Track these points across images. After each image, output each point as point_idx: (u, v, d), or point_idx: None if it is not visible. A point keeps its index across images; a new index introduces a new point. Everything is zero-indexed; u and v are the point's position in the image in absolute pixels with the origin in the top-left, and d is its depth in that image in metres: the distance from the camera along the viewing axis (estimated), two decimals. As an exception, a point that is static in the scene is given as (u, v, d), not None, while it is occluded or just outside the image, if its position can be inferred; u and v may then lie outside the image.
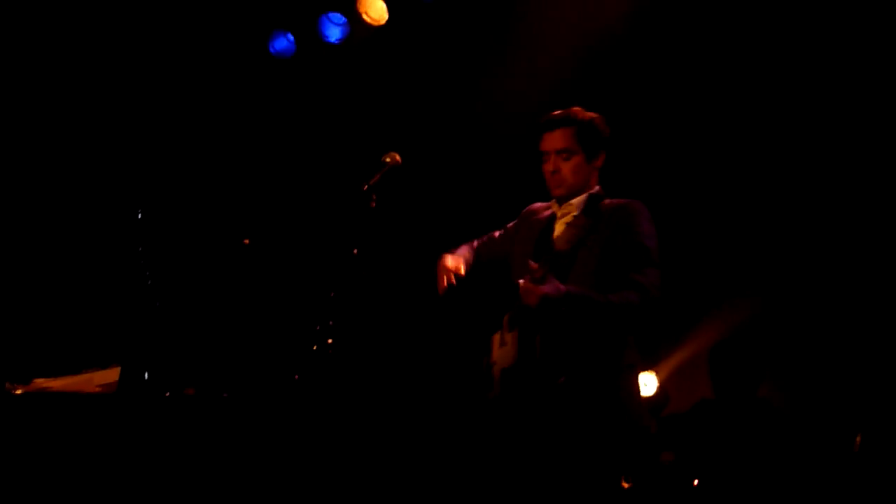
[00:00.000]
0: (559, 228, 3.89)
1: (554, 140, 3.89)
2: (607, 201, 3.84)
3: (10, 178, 6.51)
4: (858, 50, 5.76)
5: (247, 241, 4.79)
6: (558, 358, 3.63)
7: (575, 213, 3.81)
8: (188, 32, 6.70)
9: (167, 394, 4.50)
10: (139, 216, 4.77)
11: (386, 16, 6.52)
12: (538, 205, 4.13)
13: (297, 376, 3.57)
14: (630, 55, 6.25)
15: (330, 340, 3.49)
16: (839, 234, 6.09)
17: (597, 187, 3.93)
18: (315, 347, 3.57)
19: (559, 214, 3.94)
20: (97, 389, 4.79)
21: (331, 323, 3.49)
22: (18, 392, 4.65)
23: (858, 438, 5.28)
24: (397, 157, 3.83)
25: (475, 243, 4.25)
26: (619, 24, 6.12)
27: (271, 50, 6.91)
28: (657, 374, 6.49)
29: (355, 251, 3.70)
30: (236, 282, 5.94)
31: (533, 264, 3.54)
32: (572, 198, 3.91)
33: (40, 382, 4.84)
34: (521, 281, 3.56)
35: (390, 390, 3.76)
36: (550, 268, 3.53)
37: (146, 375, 4.46)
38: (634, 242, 3.74)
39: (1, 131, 6.50)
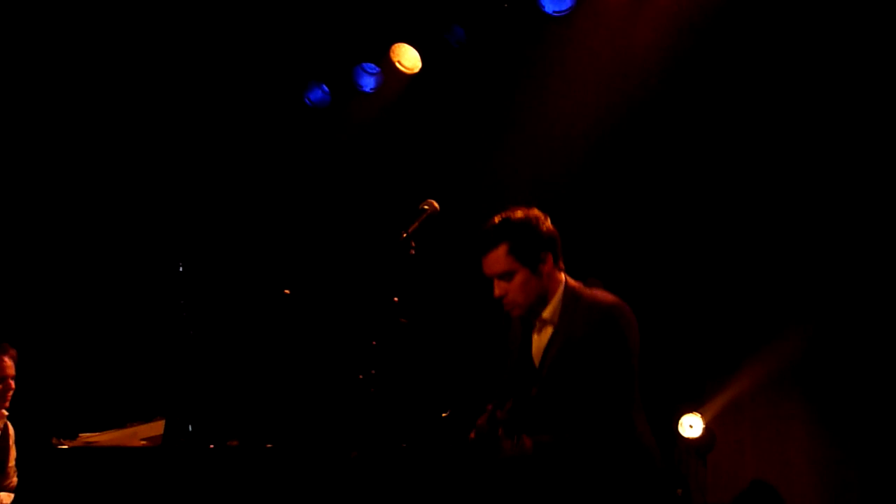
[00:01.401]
0: (536, 342, 3.67)
1: (489, 264, 3.58)
2: (584, 296, 3.60)
3: (52, 238, 6.60)
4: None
5: (287, 292, 4.79)
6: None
7: (551, 329, 3.59)
8: (229, 88, 6.80)
9: (211, 446, 4.50)
10: (180, 269, 4.81)
11: (419, 64, 6.58)
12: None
13: (339, 427, 3.56)
14: (662, 86, 6.22)
15: (373, 389, 3.47)
16: (886, 271, 6.00)
17: (561, 287, 3.63)
18: (360, 396, 3.55)
19: (534, 329, 3.68)
20: (142, 443, 4.81)
21: (373, 372, 3.47)
22: (65, 447, 4.67)
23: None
24: (435, 205, 3.80)
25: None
26: (649, 61, 6.11)
27: (307, 101, 7.00)
28: (702, 415, 6.40)
29: (396, 299, 3.67)
30: (278, 332, 5.94)
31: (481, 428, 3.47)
32: (539, 308, 3.62)
33: (86, 437, 4.87)
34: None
35: (434, 439, 3.72)
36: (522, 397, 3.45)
37: (190, 428, 4.47)
38: (605, 364, 3.48)
39: (45, 194, 6.60)
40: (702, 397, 6.53)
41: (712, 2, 5.87)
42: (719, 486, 6.49)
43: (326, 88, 7.00)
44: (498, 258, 3.56)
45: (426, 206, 3.77)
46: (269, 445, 4.53)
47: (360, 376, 3.45)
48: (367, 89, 6.86)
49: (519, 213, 3.61)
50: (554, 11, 6.14)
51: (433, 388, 4.96)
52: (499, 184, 6.46)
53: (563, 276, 3.66)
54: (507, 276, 3.56)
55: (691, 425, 6.38)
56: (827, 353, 6.15)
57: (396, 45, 6.60)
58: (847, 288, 6.08)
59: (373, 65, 6.80)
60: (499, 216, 3.62)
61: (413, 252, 3.67)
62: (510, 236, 3.56)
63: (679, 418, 6.43)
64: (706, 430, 6.38)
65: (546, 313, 3.62)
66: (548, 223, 3.64)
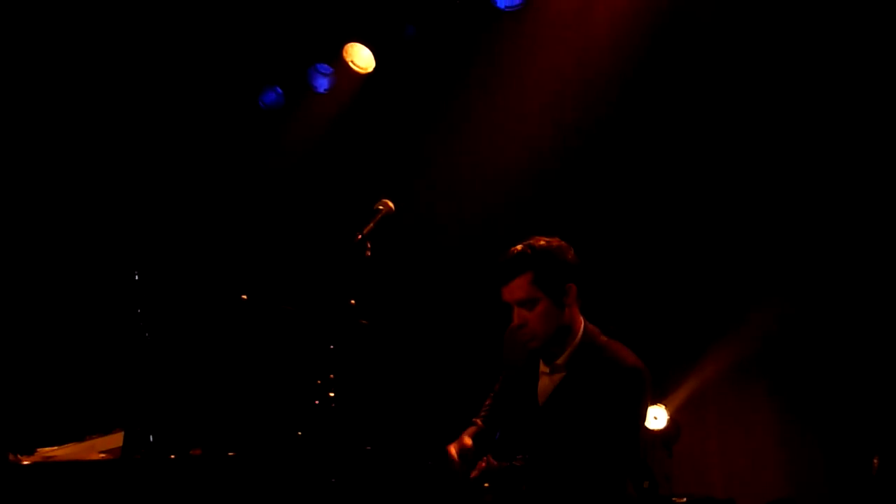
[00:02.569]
0: (543, 383, 3.59)
1: (512, 291, 3.50)
2: (602, 349, 3.51)
3: (5, 248, 6.50)
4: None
5: (244, 297, 4.75)
6: None
7: (563, 374, 3.51)
8: (182, 92, 6.73)
9: (172, 456, 4.45)
10: (135, 277, 4.74)
11: (373, 63, 6.55)
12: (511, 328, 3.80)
13: (299, 432, 3.51)
14: (617, 81, 6.23)
15: (332, 394, 3.43)
16: (847, 258, 6.04)
17: (581, 330, 3.56)
18: (317, 402, 3.51)
19: (543, 369, 3.59)
20: (101, 456, 4.75)
21: (332, 376, 3.43)
22: (25, 463, 4.60)
23: (876, 461, 5.21)
24: (390, 205, 3.77)
25: (478, 420, 3.90)
26: (603, 56, 6.12)
27: (261, 104, 6.95)
28: (666, 406, 6.42)
29: (353, 301, 3.64)
30: (236, 338, 5.89)
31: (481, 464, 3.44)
32: (556, 349, 3.54)
33: (44, 451, 4.80)
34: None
35: (392, 442, 3.69)
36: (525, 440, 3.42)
37: (150, 439, 4.41)
38: (611, 425, 3.38)
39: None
40: (665, 388, 6.55)
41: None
42: (685, 476, 6.52)
43: (280, 90, 6.95)
44: (521, 285, 3.47)
45: (381, 207, 3.73)
46: (231, 454, 4.49)
47: (319, 381, 3.41)
48: (321, 90, 6.82)
49: (542, 242, 3.55)
50: (506, 6, 6.13)
51: (395, 390, 4.94)
52: (455, 182, 6.45)
53: (582, 318, 3.58)
54: (528, 304, 3.48)
55: (655, 417, 6.40)
56: (791, 339, 6.20)
57: (349, 44, 6.56)
58: (810, 273, 6.13)
59: (326, 65, 6.77)
60: (522, 244, 3.54)
61: (369, 253, 3.63)
62: (535, 265, 3.48)
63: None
64: (671, 421, 6.40)
65: (561, 360, 3.54)
66: (572, 253, 3.57)
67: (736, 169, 6.25)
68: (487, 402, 3.95)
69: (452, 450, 3.61)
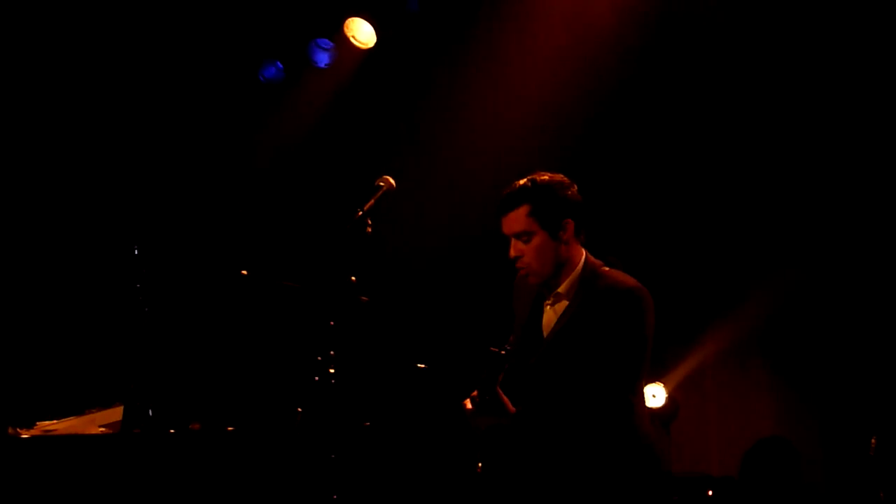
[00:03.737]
0: (548, 316, 3.57)
1: (509, 223, 3.51)
2: (602, 274, 3.53)
3: (6, 223, 6.50)
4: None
5: (244, 273, 4.75)
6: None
7: (566, 303, 3.51)
8: (181, 66, 6.71)
9: (171, 430, 4.46)
10: (135, 252, 4.74)
11: (374, 39, 6.51)
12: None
13: (299, 409, 3.52)
14: (621, 61, 6.21)
15: (332, 370, 3.43)
16: (847, 238, 6.04)
17: (581, 261, 3.56)
18: (317, 378, 3.51)
19: (548, 301, 3.59)
20: (101, 430, 4.76)
21: (332, 353, 3.43)
22: (25, 436, 4.62)
23: (874, 441, 5.22)
24: (391, 181, 3.74)
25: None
26: (607, 35, 6.09)
27: (261, 77, 6.92)
28: (665, 385, 6.44)
29: (353, 278, 3.63)
30: (236, 314, 5.89)
31: (471, 401, 3.39)
32: (555, 281, 3.53)
33: (44, 425, 4.81)
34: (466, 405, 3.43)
35: (393, 419, 3.69)
36: (493, 394, 3.36)
37: (150, 413, 4.42)
38: (615, 341, 3.38)
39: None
40: (664, 366, 6.56)
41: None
42: (683, 454, 6.55)
43: (280, 65, 6.92)
44: (518, 217, 3.48)
45: (382, 183, 3.71)
46: (229, 429, 4.50)
47: (319, 357, 3.41)
48: (322, 65, 6.79)
49: (545, 176, 3.56)
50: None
51: (395, 366, 4.94)
52: (455, 159, 6.43)
53: (583, 250, 3.59)
54: (524, 236, 3.48)
55: (654, 395, 6.42)
56: (791, 317, 6.21)
57: (350, 19, 6.53)
58: (811, 252, 6.13)
59: (327, 40, 6.73)
60: (526, 177, 3.57)
61: (370, 230, 3.62)
62: (533, 198, 3.49)
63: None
64: (669, 399, 6.42)
65: (563, 288, 3.53)
66: (574, 189, 3.58)
67: (737, 148, 6.24)
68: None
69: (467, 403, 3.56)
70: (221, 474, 4.28)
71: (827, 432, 6.03)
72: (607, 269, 3.59)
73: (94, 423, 4.80)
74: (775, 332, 6.26)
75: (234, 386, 5.47)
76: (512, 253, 3.51)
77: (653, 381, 6.45)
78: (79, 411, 4.87)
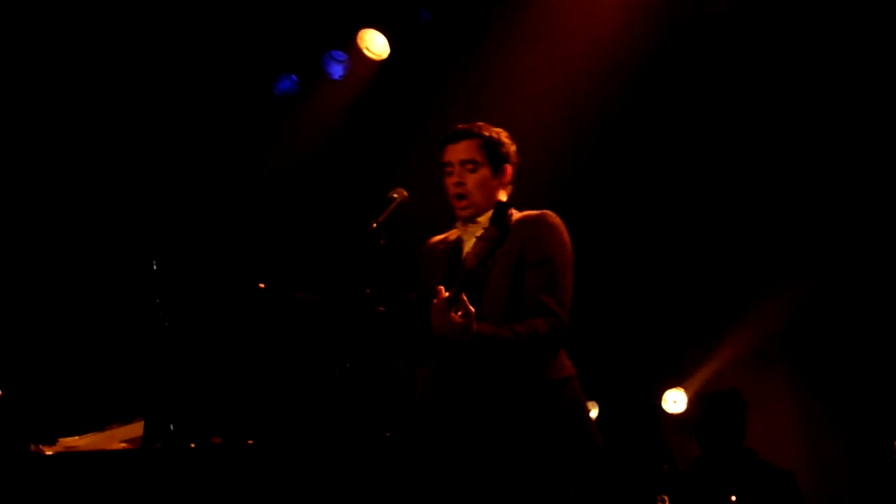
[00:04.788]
0: (468, 247, 3.71)
1: (458, 150, 3.74)
2: (516, 214, 3.67)
3: (23, 237, 6.54)
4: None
5: (262, 286, 4.76)
6: (476, 391, 3.51)
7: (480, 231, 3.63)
8: (197, 81, 6.74)
9: (192, 445, 4.47)
10: (153, 266, 4.76)
11: (388, 50, 6.53)
12: (436, 238, 3.95)
13: (318, 421, 3.53)
14: (634, 61, 6.19)
15: (348, 383, 3.44)
16: (867, 239, 5.99)
17: (492, 200, 3.75)
18: (333, 391, 3.52)
19: (465, 236, 3.77)
20: (122, 445, 4.78)
21: (348, 365, 3.44)
22: (48, 453, 4.64)
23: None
24: (404, 193, 3.77)
25: None
26: (620, 38, 6.07)
27: (276, 91, 6.95)
28: (686, 389, 6.40)
29: (368, 290, 3.64)
30: (253, 327, 5.90)
31: (442, 291, 3.32)
32: (479, 216, 3.73)
33: (66, 442, 4.83)
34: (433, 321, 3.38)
35: (410, 431, 3.69)
36: (460, 290, 3.32)
37: (171, 427, 4.44)
38: (543, 259, 3.58)
39: (12, 192, 6.53)
40: (684, 370, 6.53)
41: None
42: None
43: (295, 78, 6.95)
44: (469, 147, 3.72)
45: (395, 195, 3.74)
46: (250, 442, 4.51)
47: (335, 370, 3.41)
48: (336, 77, 6.81)
49: (497, 128, 3.82)
50: (520, -13, 6.11)
51: (411, 377, 4.94)
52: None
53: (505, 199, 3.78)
54: (470, 164, 3.69)
55: (675, 400, 6.39)
56: (811, 320, 6.16)
57: (363, 31, 6.54)
58: (830, 254, 6.08)
59: (341, 52, 6.75)
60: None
61: (384, 242, 3.64)
62: (484, 136, 3.74)
63: (662, 394, 6.44)
64: (690, 403, 6.38)
65: (482, 217, 3.70)
66: (515, 147, 3.84)
67: (757, 148, 6.21)
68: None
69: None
70: (243, 488, 4.29)
71: (849, 434, 5.98)
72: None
73: (115, 439, 4.81)
74: (795, 335, 6.22)
75: (253, 399, 5.49)
76: (455, 178, 3.69)
77: (673, 385, 6.43)
78: (99, 427, 4.89)
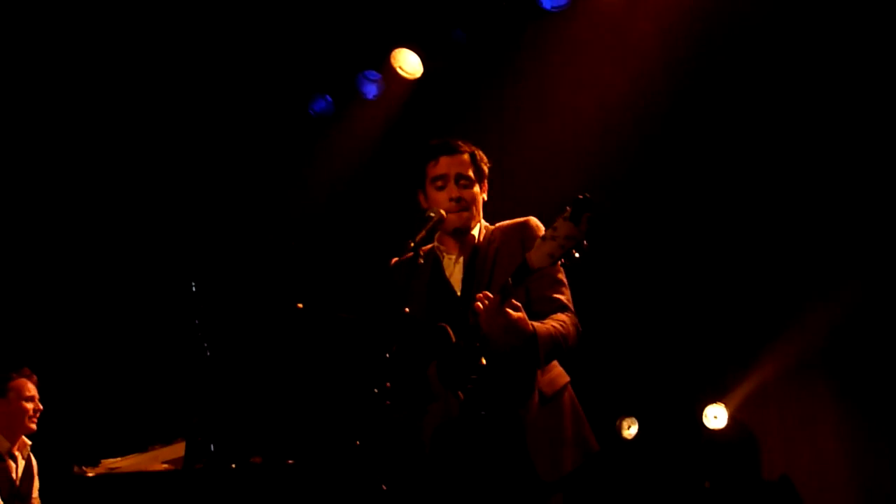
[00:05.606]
0: (453, 273, 3.72)
1: (456, 163, 3.75)
2: (493, 226, 3.75)
3: (68, 263, 6.62)
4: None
5: (300, 306, 4.78)
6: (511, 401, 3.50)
7: (469, 252, 3.69)
8: (235, 103, 6.80)
9: (233, 465, 4.49)
10: (193, 288, 4.79)
11: (421, 69, 6.55)
12: (397, 259, 3.88)
13: (357, 441, 3.52)
14: (664, 79, 6.16)
15: (388, 402, 3.43)
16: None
17: (481, 217, 3.82)
18: (374, 410, 3.51)
19: (446, 256, 3.76)
20: (164, 466, 4.81)
21: (388, 385, 3.43)
22: (90, 475, 4.68)
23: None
24: (442, 212, 3.75)
25: None
26: (650, 55, 6.05)
27: (312, 111, 7.00)
28: (726, 405, 6.33)
29: (406, 309, 3.63)
30: (292, 347, 5.93)
31: (488, 295, 3.26)
32: (461, 232, 3.73)
33: (108, 463, 4.88)
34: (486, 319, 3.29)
35: (448, 448, 3.67)
36: (505, 294, 3.27)
37: (211, 448, 4.46)
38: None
39: (61, 220, 6.61)
40: (725, 387, 6.46)
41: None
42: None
43: (330, 98, 6.99)
44: (464, 161, 3.76)
45: (432, 214, 3.71)
46: (290, 461, 4.52)
47: (376, 390, 3.41)
48: (371, 96, 6.84)
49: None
50: (552, 7, 6.10)
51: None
52: (504, 188, 6.41)
53: None
54: (465, 179, 3.72)
55: (716, 416, 6.32)
56: (853, 335, 6.07)
57: (397, 50, 6.57)
58: (873, 267, 6.00)
59: (374, 72, 6.78)
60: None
61: (421, 261, 3.63)
62: (473, 153, 3.80)
63: (702, 409, 6.38)
64: (731, 420, 6.31)
65: (473, 232, 3.74)
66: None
67: (798, 164, 6.14)
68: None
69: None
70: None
71: (894, 449, 5.88)
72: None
73: (157, 460, 4.85)
74: (837, 348, 6.13)
75: (293, 419, 5.52)
76: (455, 193, 3.70)
77: (714, 401, 6.36)
78: (142, 448, 4.93)
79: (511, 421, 3.47)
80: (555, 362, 3.62)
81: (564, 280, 3.65)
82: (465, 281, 3.66)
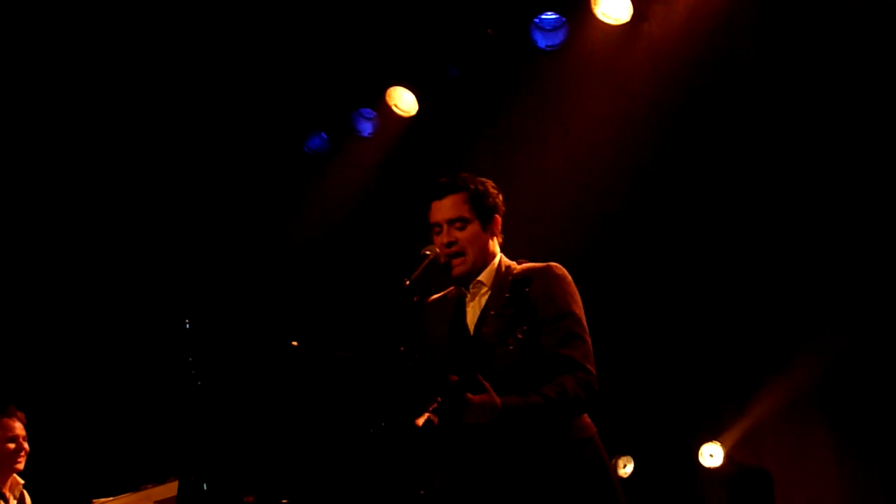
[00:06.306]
0: (472, 311, 3.61)
1: (444, 209, 3.60)
2: (516, 267, 3.60)
3: (57, 300, 6.60)
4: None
5: (294, 344, 4.76)
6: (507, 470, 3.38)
7: (487, 294, 3.56)
8: (228, 141, 6.83)
9: (226, 505, 4.46)
10: (186, 325, 4.78)
11: (416, 107, 6.59)
12: (435, 296, 3.81)
13: (353, 480, 3.51)
14: (660, 114, 6.18)
15: (384, 442, 3.41)
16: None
17: (498, 255, 3.66)
18: (368, 450, 3.50)
19: (469, 296, 3.64)
20: (156, 507, 4.78)
21: (384, 424, 3.41)
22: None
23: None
24: (437, 250, 3.72)
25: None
26: (646, 91, 6.08)
27: (306, 149, 7.02)
28: (722, 444, 6.31)
29: (402, 348, 3.62)
30: (287, 385, 5.90)
31: (453, 379, 3.15)
32: (476, 274, 3.60)
33: (100, 503, 4.84)
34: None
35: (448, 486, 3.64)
36: (471, 371, 3.18)
37: (205, 487, 4.43)
38: (559, 314, 3.43)
39: (47, 253, 6.60)
40: (720, 425, 6.44)
41: (704, 25, 5.87)
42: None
43: (325, 135, 7.02)
44: (457, 202, 3.58)
45: (428, 252, 3.66)
46: (284, 502, 4.49)
47: (371, 429, 3.39)
48: (366, 134, 6.87)
49: (481, 178, 3.69)
50: (546, 46, 6.14)
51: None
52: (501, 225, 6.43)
53: (499, 251, 3.69)
54: (460, 222, 3.57)
55: (711, 454, 6.29)
56: (850, 370, 6.06)
57: (392, 88, 6.61)
58: (866, 305, 6.00)
59: (370, 109, 6.82)
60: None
61: (417, 299, 3.61)
62: (471, 189, 3.60)
63: (698, 448, 6.35)
64: (727, 458, 6.29)
65: (483, 276, 3.60)
66: (501, 198, 3.71)
67: (789, 198, 6.16)
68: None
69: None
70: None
71: (890, 488, 5.85)
72: (519, 261, 3.68)
73: (149, 500, 4.81)
74: (834, 387, 6.12)
75: (287, 458, 5.48)
76: (445, 239, 3.57)
77: (710, 439, 6.34)
78: (134, 487, 4.90)
79: (519, 475, 3.37)
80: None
81: (579, 331, 3.46)
82: (476, 324, 3.57)
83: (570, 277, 3.55)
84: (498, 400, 3.18)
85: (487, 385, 3.16)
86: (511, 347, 3.15)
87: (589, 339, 3.48)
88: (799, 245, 6.15)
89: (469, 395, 3.13)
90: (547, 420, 3.32)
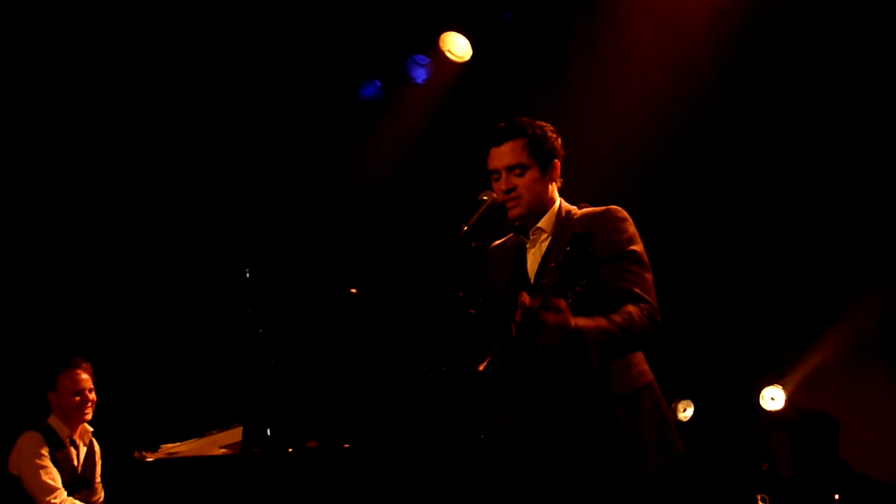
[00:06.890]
0: (532, 259, 3.57)
1: (502, 156, 3.54)
2: (577, 212, 3.55)
3: (123, 252, 6.70)
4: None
5: (353, 291, 4.80)
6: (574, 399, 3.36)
7: (548, 240, 3.52)
8: (282, 90, 6.83)
9: (290, 449, 4.53)
10: (247, 275, 4.83)
11: (470, 52, 6.52)
12: (496, 242, 3.77)
13: (414, 425, 3.54)
14: (717, 57, 6.08)
15: (443, 386, 3.43)
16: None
17: (558, 201, 3.60)
18: (428, 394, 3.52)
19: (529, 243, 3.60)
20: (222, 451, 4.87)
21: (443, 368, 3.43)
22: (150, 459, 4.75)
23: None
24: (494, 195, 3.70)
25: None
26: (704, 34, 5.98)
27: (361, 97, 7.00)
28: (784, 387, 6.28)
29: (461, 294, 3.62)
30: (346, 332, 5.95)
31: (526, 297, 3.13)
32: (535, 220, 3.56)
33: (167, 448, 4.95)
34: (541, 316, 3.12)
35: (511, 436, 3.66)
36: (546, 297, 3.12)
37: (268, 433, 4.50)
38: (621, 253, 3.39)
39: (113, 211, 6.69)
40: (782, 368, 6.40)
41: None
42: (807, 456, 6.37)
43: (379, 83, 7.00)
44: (514, 149, 3.51)
45: (485, 197, 3.63)
46: (346, 445, 4.55)
47: (431, 374, 3.41)
48: (420, 81, 6.83)
49: (541, 122, 3.62)
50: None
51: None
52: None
53: (558, 195, 3.63)
54: (518, 169, 3.51)
55: (773, 398, 6.27)
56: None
57: (445, 34, 6.55)
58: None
59: (423, 56, 6.77)
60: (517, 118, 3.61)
61: (475, 245, 3.60)
62: (529, 134, 3.54)
63: (760, 391, 6.33)
64: (788, 401, 6.26)
65: (543, 223, 3.55)
66: (560, 140, 3.63)
67: (852, 145, 6.05)
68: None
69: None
70: (340, 491, 4.33)
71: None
72: (580, 205, 3.62)
73: (214, 445, 4.91)
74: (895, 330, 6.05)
75: (348, 403, 5.54)
76: (504, 185, 3.51)
77: (771, 382, 6.31)
78: (200, 433, 4.99)
79: (578, 423, 3.35)
80: (638, 360, 3.48)
81: (640, 268, 3.41)
82: (537, 272, 3.54)
83: (630, 219, 3.50)
84: (573, 321, 3.15)
85: (564, 305, 3.12)
86: (570, 300, 3.11)
87: (650, 275, 3.43)
88: (863, 191, 6.06)
89: (544, 314, 3.10)
90: (616, 346, 3.30)
